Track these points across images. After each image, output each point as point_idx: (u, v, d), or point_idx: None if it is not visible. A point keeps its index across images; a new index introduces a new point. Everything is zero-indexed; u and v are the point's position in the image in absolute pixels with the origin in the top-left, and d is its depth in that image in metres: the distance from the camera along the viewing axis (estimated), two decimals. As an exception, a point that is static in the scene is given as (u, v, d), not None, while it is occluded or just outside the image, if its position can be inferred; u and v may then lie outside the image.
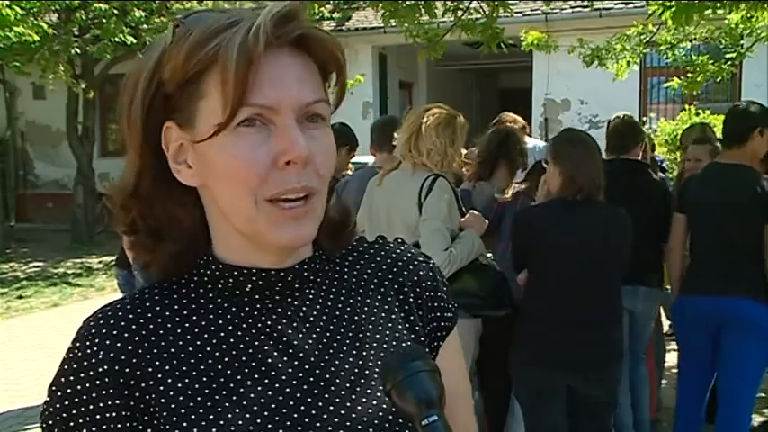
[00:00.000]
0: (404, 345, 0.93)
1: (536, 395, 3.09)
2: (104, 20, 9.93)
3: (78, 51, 10.31)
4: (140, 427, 0.83)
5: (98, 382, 0.83)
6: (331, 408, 0.85)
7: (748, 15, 5.14)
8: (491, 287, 3.19)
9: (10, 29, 8.27)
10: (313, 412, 0.85)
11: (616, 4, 10.81)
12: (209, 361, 0.85)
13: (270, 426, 0.83)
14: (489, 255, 3.44)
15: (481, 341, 3.38)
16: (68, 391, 0.84)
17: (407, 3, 5.06)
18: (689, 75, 5.78)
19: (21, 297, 8.61)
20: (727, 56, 5.63)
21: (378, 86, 13.10)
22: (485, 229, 3.33)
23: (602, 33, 7.26)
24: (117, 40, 9.84)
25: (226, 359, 0.86)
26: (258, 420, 0.82)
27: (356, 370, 0.88)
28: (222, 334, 0.87)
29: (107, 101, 12.91)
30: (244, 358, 0.86)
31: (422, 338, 0.96)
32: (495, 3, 5.16)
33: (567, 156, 3.03)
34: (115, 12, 9.98)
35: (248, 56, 0.78)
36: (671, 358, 4.67)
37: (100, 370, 0.83)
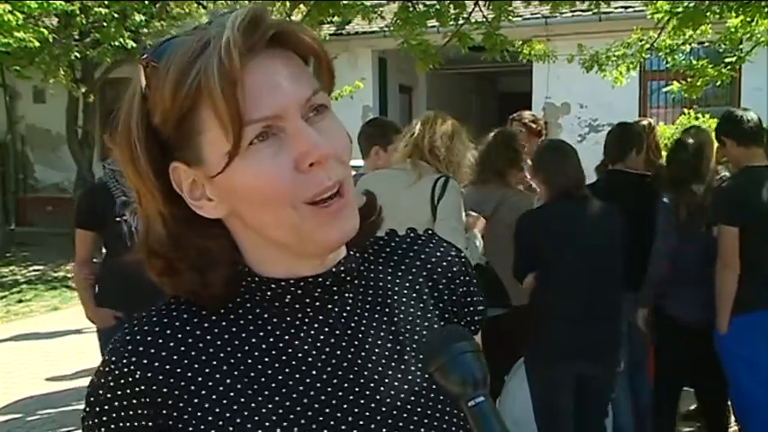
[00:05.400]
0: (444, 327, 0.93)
1: (550, 386, 3.27)
2: (104, 24, 9.92)
3: (78, 55, 10.31)
4: None
5: (134, 401, 0.84)
6: (372, 405, 0.86)
7: (748, 20, 5.14)
8: (484, 288, 3.22)
9: (11, 34, 8.26)
10: (356, 410, 0.85)
11: (616, 8, 10.82)
12: (252, 374, 0.85)
13: (310, 414, 0.84)
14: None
15: None
16: (106, 407, 0.86)
17: (419, 9, 5.08)
18: (689, 79, 5.76)
19: (20, 301, 8.61)
20: (727, 60, 5.60)
21: (377, 90, 13.09)
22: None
23: (603, 37, 7.26)
24: (117, 43, 9.82)
25: (269, 371, 0.85)
26: (303, 421, 0.83)
27: (392, 364, 0.89)
28: (264, 346, 0.87)
29: (107, 105, 12.90)
30: (287, 370, 0.86)
31: None
32: (499, 8, 5.16)
33: (540, 165, 3.43)
34: (115, 16, 9.96)
35: (229, 76, 0.77)
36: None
37: (137, 389, 0.84)
